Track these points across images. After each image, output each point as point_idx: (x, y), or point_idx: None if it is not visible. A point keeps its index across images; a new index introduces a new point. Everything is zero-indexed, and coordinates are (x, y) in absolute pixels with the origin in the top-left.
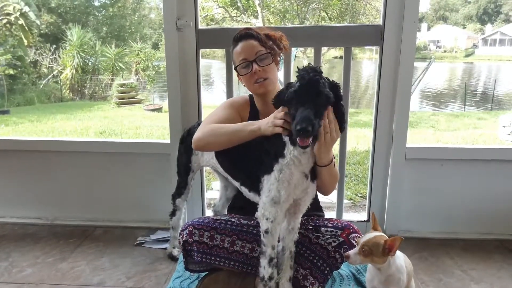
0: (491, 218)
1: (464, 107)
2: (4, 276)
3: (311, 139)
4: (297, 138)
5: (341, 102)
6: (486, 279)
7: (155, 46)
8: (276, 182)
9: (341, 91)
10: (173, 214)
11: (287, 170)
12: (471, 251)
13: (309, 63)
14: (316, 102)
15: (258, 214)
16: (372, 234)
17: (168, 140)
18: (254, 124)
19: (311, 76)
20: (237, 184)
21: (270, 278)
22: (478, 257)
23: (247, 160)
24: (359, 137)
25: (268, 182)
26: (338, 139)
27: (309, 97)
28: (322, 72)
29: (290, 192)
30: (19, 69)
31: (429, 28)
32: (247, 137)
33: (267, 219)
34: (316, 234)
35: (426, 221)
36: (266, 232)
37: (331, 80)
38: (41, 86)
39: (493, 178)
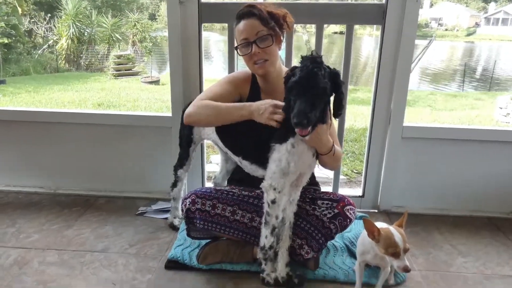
0: (481, 196)
1: (463, 87)
2: (12, 241)
3: (309, 128)
4: (295, 129)
5: (341, 90)
6: (473, 254)
7: (152, 17)
8: (287, 154)
9: (341, 78)
10: (174, 185)
11: (301, 146)
12: (461, 227)
13: (312, 51)
14: (314, 94)
15: (264, 184)
16: (398, 231)
17: (169, 114)
18: (244, 109)
19: (310, 68)
20: (237, 159)
21: (271, 247)
22: (467, 233)
23: (249, 136)
24: (357, 114)
25: (279, 152)
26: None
27: (307, 89)
28: (322, 63)
29: (299, 165)
30: (14, 38)
31: (431, 5)
32: (236, 120)
33: (274, 189)
34: (313, 206)
35: (419, 198)
36: (273, 202)
37: (331, 68)
38: (37, 56)
39: (486, 159)
